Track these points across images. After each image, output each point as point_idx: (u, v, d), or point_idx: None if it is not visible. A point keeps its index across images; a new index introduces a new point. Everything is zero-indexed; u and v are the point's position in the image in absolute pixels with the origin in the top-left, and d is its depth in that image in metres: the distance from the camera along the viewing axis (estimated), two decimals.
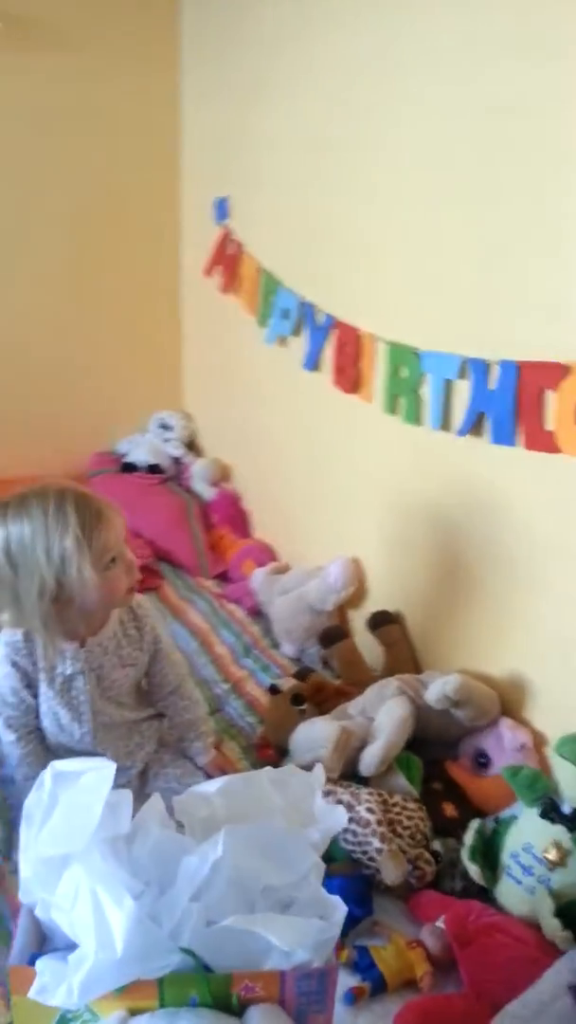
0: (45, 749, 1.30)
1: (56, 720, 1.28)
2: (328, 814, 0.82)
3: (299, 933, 0.72)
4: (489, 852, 1.27)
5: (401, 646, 1.70)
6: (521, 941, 1.13)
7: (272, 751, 1.53)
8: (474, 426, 1.43)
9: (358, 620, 1.84)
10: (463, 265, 1.43)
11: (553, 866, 1.18)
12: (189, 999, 0.74)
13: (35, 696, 1.27)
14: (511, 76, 1.28)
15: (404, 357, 1.56)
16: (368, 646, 1.75)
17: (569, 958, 1.09)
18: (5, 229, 2.27)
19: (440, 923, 1.16)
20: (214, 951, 0.73)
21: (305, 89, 1.82)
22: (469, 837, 1.27)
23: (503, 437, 1.37)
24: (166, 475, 2.49)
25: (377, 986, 1.11)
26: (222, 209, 2.20)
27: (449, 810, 1.37)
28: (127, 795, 0.79)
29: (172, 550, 2.24)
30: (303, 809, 0.82)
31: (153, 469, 2.47)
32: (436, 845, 1.29)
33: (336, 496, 1.92)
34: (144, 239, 2.45)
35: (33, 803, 0.79)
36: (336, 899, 0.76)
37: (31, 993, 0.71)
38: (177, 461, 2.54)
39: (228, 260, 2.19)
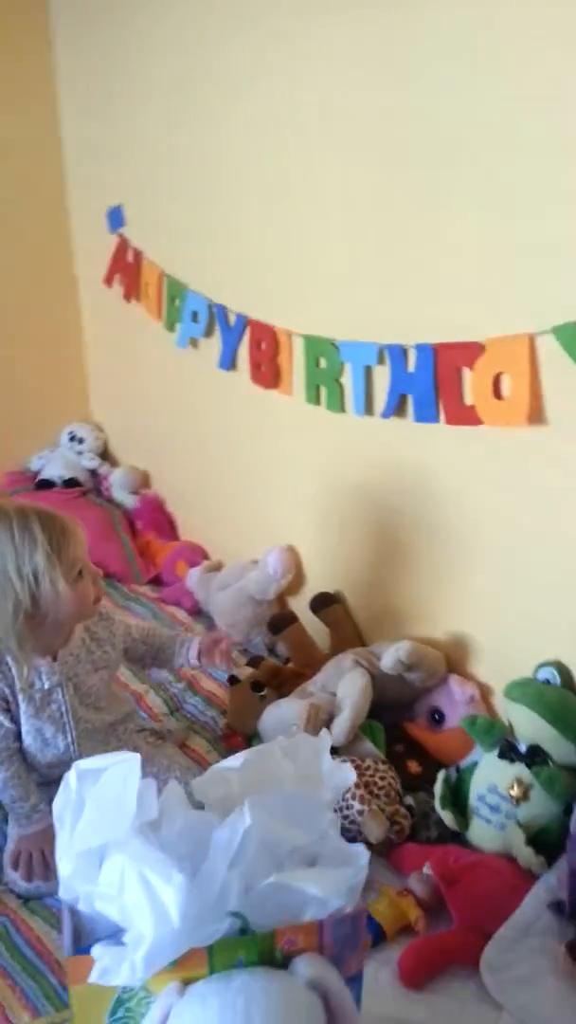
0: (27, 769, 1.30)
1: (40, 736, 1.29)
2: (336, 773, 0.88)
3: (333, 882, 0.78)
4: (457, 799, 1.37)
5: (345, 624, 1.78)
6: (500, 873, 1.24)
7: (239, 739, 1.58)
8: (397, 408, 1.52)
9: (297, 606, 1.91)
10: (372, 256, 1.52)
11: (518, 801, 1.29)
12: (236, 961, 0.79)
13: (12, 720, 1.28)
14: (403, 74, 1.38)
15: (322, 349, 1.64)
16: (312, 628, 1.83)
17: (544, 880, 1.21)
18: None
19: (426, 870, 1.25)
20: (256, 912, 0.78)
21: (191, 94, 1.86)
22: (438, 787, 1.36)
23: (426, 415, 1.47)
24: (84, 488, 2.48)
25: (377, 937, 1.19)
26: (116, 218, 2.21)
27: (413, 767, 1.47)
28: (151, 783, 0.82)
29: (102, 561, 2.23)
30: (312, 772, 0.88)
31: (70, 483, 2.46)
32: (409, 800, 1.38)
33: (264, 489, 1.98)
34: (34, 254, 2.42)
35: (62, 804, 0.82)
36: (359, 846, 0.83)
37: (93, 977, 0.74)
38: (93, 473, 2.53)
39: (128, 268, 2.20)
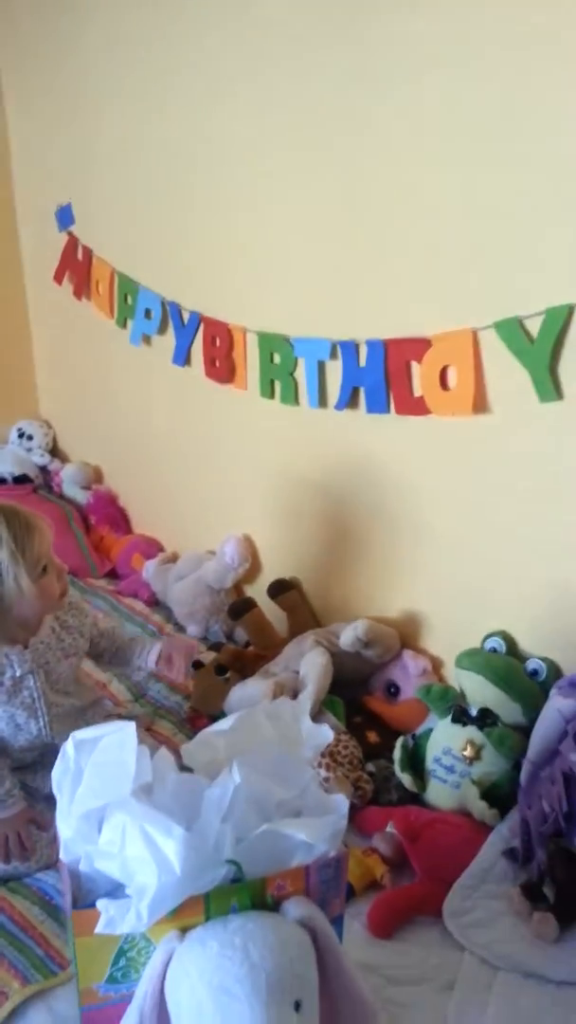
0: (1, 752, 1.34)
1: (13, 721, 1.32)
2: (314, 733, 0.95)
3: (318, 828, 0.86)
4: (414, 763, 1.46)
5: (301, 609, 1.86)
6: (458, 827, 1.34)
7: (204, 721, 1.64)
8: (350, 400, 1.60)
9: (254, 593, 1.98)
10: (324, 256, 1.60)
11: (471, 760, 1.39)
12: (231, 907, 0.85)
13: None
14: (358, 81, 1.45)
15: (276, 345, 1.71)
16: (270, 614, 1.90)
17: (498, 831, 1.32)
18: None
19: (390, 828, 1.34)
20: (248, 860, 0.85)
21: (141, 92, 1.90)
22: (397, 752, 1.46)
23: (377, 406, 1.56)
24: (35, 484, 2.49)
25: (347, 893, 1.26)
26: (65, 216, 2.24)
27: (372, 737, 1.56)
28: (144, 750, 0.88)
29: (58, 557, 2.25)
30: (292, 734, 0.95)
31: (20, 480, 2.46)
32: (370, 767, 1.47)
33: (219, 480, 2.04)
34: None
35: (60, 773, 0.87)
36: (339, 796, 0.90)
37: (99, 928, 0.79)
38: (44, 469, 2.54)
39: (78, 266, 2.23)
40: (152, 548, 2.26)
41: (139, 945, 0.85)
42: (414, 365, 1.48)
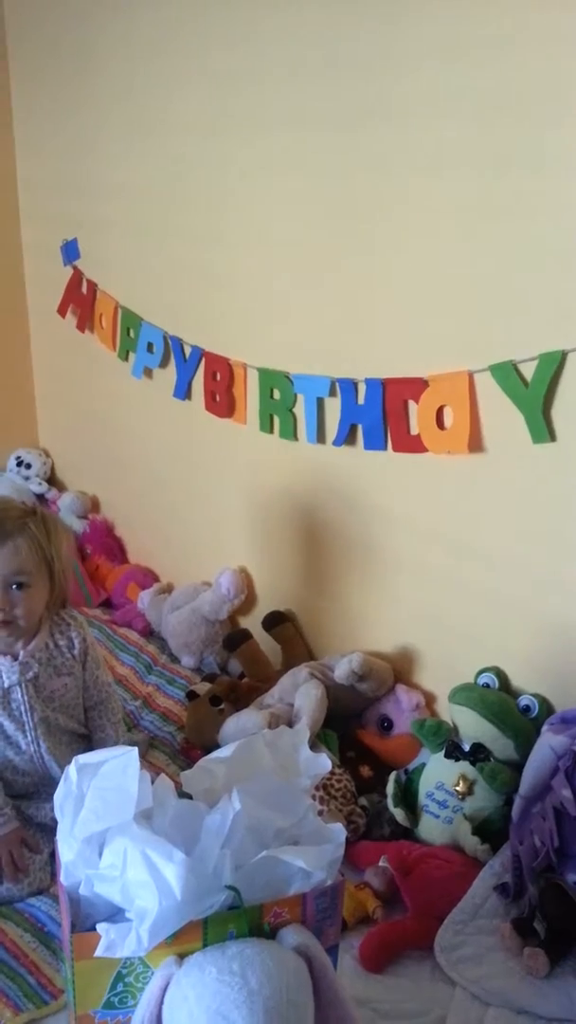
0: None
1: (1, 732, 1.35)
2: (312, 763, 0.97)
3: (316, 856, 0.87)
4: (407, 798, 1.47)
5: (296, 641, 1.88)
6: (450, 862, 1.35)
7: (198, 753, 1.64)
8: (347, 437, 1.64)
9: (248, 624, 2.00)
10: (324, 297, 1.65)
11: (463, 796, 1.40)
12: (228, 933, 0.86)
13: None
14: (351, 125, 1.52)
15: (276, 381, 1.75)
16: (264, 645, 1.91)
17: (490, 866, 1.33)
18: None
19: (383, 862, 1.34)
20: (246, 887, 0.86)
21: (147, 132, 1.97)
22: (390, 787, 1.47)
23: (374, 443, 1.60)
24: None
25: None
26: (71, 251, 2.29)
27: (365, 771, 1.57)
28: (145, 775, 0.89)
29: None
30: (290, 762, 0.97)
31: None
32: (363, 801, 1.48)
33: (216, 513, 2.07)
34: None
35: (63, 796, 0.88)
36: (336, 826, 0.92)
37: (100, 951, 0.80)
38: (41, 497, 2.56)
39: (82, 299, 2.28)
40: (147, 578, 2.27)
41: (137, 970, 0.85)
42: (411, 404, 1.52)
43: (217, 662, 1.98)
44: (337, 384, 1.63)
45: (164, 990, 0.82)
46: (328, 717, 1.61)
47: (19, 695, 1.35)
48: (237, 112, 1.72)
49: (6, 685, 1.35)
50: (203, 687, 1.75)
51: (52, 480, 2.64)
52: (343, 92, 1.50)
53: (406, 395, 1.52)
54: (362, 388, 1.59)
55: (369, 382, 1.56)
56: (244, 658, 1.86)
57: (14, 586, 1.32)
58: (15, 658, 1.35)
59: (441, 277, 1.44)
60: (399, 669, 1.70)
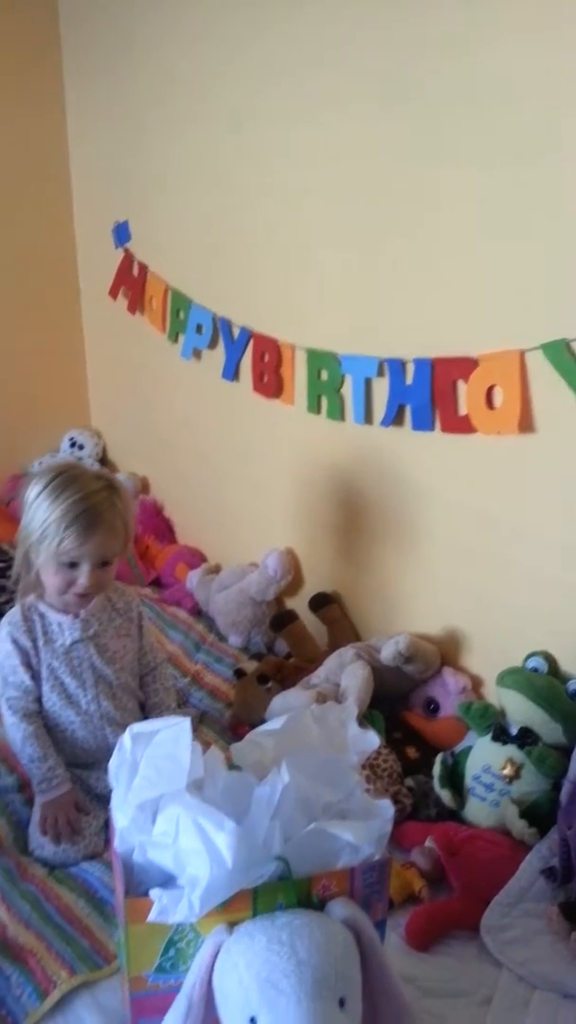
0: (46, 731, 1.39)
1: (63, 691, 1.38)
2: (360, 739, 0.98)
3: (364, 831, 0.88)
4: (453, 780, 1.47)
5: (342, 622, 1.88)
6: (496, 844, 1.34)
7: (246, 729, 1.66)
8: (395, 417, 1.63)
9: (295, 605, 2.00)
10: (373, 276, 1.64)
11: (510, 779, 1.40)
12: (277, 904, 0.88)
13: (33, 678, 1.37)
14: (402, 104, 1.50)
15: (324, 362, 1.74)
16: (311, 626, 1.92)
17: (537, 849, 1.32)
18: None
19: (429, 843, 1.34)
20: (296, 859, 0.87)
21: (197, 115, 1.97)
22: (436, 768, 1.46)
23: (423, 424, 1.58)
24: None
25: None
26: (122, 233, 2.31)
27: (411, 753, 1.57)
28: (197, 746, 0.91)
29: None
30: (338, 738, 0.98)
31: None
32: (409, 782, 1.48)
33: (263, 493, 2.08)
34: (40, 267, 2.52)
35: (117, 764, 0.90)
36: (384, 801, 0.92)
37: (152, 916, 0.82)
38: None
39: (133, 281, 2.30)
40: (196, 559, 2.30)
41: (188, 936, 0.87)
42: (460, 384, 1.50)
43: (264, 642, 2.00)
44: (385, 364, 1.62)
45: (215, 957, 0.84)
46: (374, 698, 1.61)
47: (81, 652, 1.39)
48: (283, 99, 1.71)
49: (68, 642, 1.38)
50: (251, 665, 1.77)
51: (104, 461, 2.69)
52: (389, 76, 1.48)
53: (455, 375, 1.50)
54: (410, 368, 1.57)
55: (417, 362, 1.55)
56: (290, 638, 1.87)
57: (103, 564, 1.35)
58: (76, 616, 1.39)
59: (490, 255, 1.41)
60: (446, 652, 1.69)
